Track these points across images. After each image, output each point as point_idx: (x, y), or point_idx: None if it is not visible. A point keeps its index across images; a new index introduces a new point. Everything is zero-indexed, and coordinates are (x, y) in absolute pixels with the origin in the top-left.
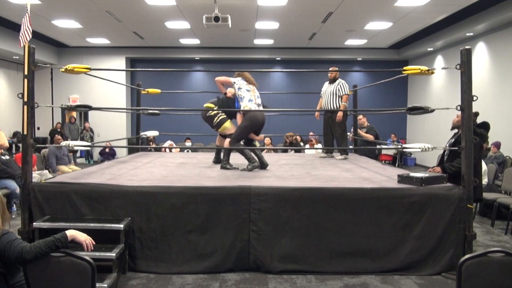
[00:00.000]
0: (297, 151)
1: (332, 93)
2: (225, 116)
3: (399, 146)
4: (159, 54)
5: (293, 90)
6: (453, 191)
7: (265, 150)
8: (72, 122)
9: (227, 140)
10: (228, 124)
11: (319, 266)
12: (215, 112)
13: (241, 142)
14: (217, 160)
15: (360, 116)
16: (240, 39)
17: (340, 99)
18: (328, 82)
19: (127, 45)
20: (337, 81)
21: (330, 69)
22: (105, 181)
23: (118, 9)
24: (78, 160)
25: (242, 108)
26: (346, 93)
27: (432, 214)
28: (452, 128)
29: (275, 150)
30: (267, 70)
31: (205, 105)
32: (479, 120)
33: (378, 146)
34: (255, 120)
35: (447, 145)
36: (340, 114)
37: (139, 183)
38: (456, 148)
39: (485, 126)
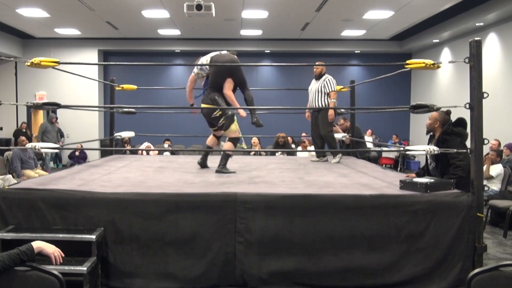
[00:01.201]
0: (288, 153)
1: (318, 90)
2: (229, 118)
3: (401, 148)
4: (135, 46)
5: (284, 86)
6: (461, 198)
7: (253, 152)
8: (52, 122)
9: (228, 143)
10: (234, 126)
11: (313, 282)
12: (221, 112)
13: None
14: (203, 162)
15: (342, 121)
16: (225, 29)
17: (327, 97)
18: (314, 78)
19: (100, 36)
20: (323, 77)
21: (317, 63)
22: (75, 187)
23: None
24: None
25: None
26: (333, 89)
27: (438, 224)
28: (427, 132)
29: (264, 153)
30: (255, 64)
31: (204, 105)
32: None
33: (378, 149)
34: None
35: (439, 150)
36: (331, 112)
37: (113, 190)
38: (449, 151)
39: (463, 123)
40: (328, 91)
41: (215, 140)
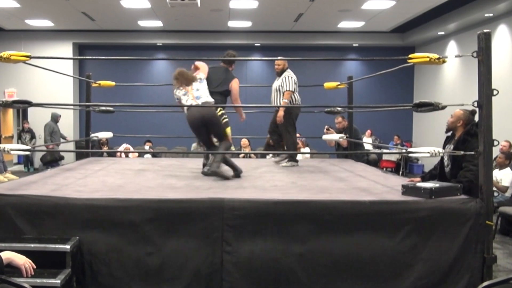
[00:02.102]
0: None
1: (277, 89)
2: (228, 119)
3: (404, 150)
4: (113, 39)
5: None
6: (468, 204)
7: (242, 155)
8: (57, 121)
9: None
10: (229, 129)
11: None
12: (222, 112)
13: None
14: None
15: (339, 119)
16: (211, 21)
17: (283, 96)
18: (277, 75)
19: (75, 28)
20: (283, 74)
21: (278, 58)
22: (48, 192)
23: None
24: (15, 168)
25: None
26: (288, 88)
27: (443, 233)
28: (447, 131)
29: (254, 155)
30: (244, 58)
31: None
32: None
33: (378, 151)
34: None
35: (445, 153)
36: (280, 114)
37: (89, 195)
38: (457, 153)
39: None
40: (284, 90)
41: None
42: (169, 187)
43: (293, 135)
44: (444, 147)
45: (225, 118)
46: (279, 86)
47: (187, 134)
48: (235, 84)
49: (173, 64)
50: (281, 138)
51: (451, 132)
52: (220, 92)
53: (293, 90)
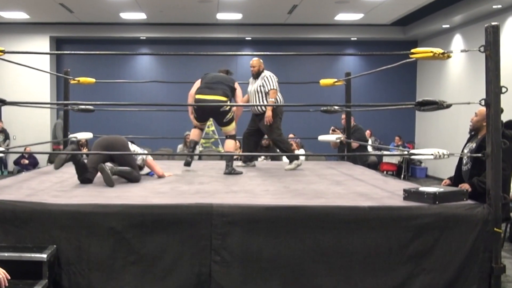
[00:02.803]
0: (273, 158)
1: (256, 91)
2: (233, 114)
3: (405, 152)
4: (94, 32)
5: None
6: (475, 210)
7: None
8: None
9: (231, 141)
10: (234, 124)
11: None
12: (229, 107)
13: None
14: (189, 161)
15: (344, 115)
16: (198, 13)
17: (267, 97)
18: (252, 77)
19: (52, 21)
20: (261, 75)
21: (253, 60)
22: (23, 197)
23: None
24: None
25: None
26: (273, 87)
27: (448, 241)
28: (471, 131)
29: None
30: (233, 53)
31: (213, 97)
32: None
33: (378, 152)
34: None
35: (468, 152)
36: (268, 114)
37: (67, 201)
38: (480, 155)
39: None
40: (267, 90)
41: (200, 133)
42: (153, 192)
43: (281, 136)
44: (465, 146)
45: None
46: (259, 87)
47: (172, 135)
48: (239, 91)
49: (158, 59)
50: (255, 144)
51: (473, 132)
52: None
53: (277, 88)
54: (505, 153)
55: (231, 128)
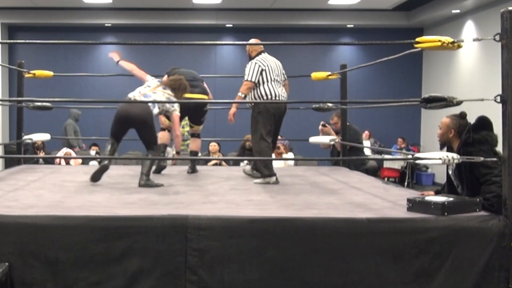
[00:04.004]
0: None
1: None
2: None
3: (410, 156)
4: (51, 18)
5: None
6: (489, 223)
7: (212, 162)
8: (77, 120)
9: (198, 140)
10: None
11: None
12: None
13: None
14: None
15: (336, 119)
16: None
17: (255, 89)
18: None
19: (4, 5)
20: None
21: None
22: None
23: None
24: None
25: None
26: (246, 78)
27: (459, 258)
28: (442, 146)
29: (226, 162)
30: (212, 42)
31: (200, 95)
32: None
33: (378, 156)
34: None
35: (451, 171)
36: (231, 111)
37: (21, 212)
38: (457, 161)
39: (486, 124)
40: (243, 81)
41: (169, 136)
42: (120, 202)
43: (262, 142)
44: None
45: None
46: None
47: None
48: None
49: (125, 50)
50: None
51: (446, 147)
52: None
53: (254, 80)
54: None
55: (202, 126)
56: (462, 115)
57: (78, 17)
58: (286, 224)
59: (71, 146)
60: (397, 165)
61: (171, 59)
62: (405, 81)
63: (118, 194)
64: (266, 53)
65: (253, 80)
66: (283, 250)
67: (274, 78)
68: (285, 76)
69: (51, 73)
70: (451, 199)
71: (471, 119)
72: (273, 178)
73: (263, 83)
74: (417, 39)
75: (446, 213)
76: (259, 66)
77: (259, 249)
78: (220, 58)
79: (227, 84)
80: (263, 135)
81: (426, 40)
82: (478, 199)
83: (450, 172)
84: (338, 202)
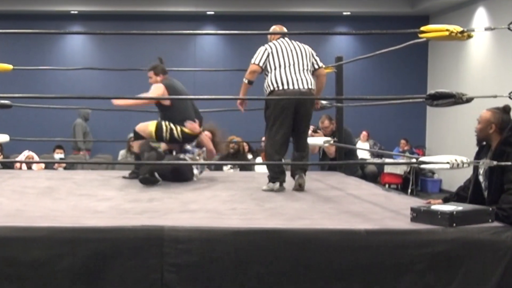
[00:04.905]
0: (242, 167)
1: None
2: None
3: (414, 160)
4: (10, 5)
5: (235, 65)
6: (503, 235)
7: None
8: (87, 119)
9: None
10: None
11: None
12: None
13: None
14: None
15: (326, 122)
16: None
17: (265, 78)
18: None
19: None
20: None
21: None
22: None
23: None
24: None
25: None
26: (252, 61)
27: (468, 274)
28: (479, 142)
29: (208, 166)
30: (191, 32)
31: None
32: None
33: (378, 160)
34: None
35: (482, 172)
36: (238, 101)
37: None
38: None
39: None
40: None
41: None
42: (88, 211)
43: (267, 142)
44: (481, 167)
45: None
46: None
47: (112, 137)
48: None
49: (94, 40)
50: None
51: (484, 143)
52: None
53: (259, 63)
54: None
55: None
56: (506, 109)
57: (40, 3)
58: (274, 236)
59: (79, 149)
60: (400, 170)
61: (145, 51)
62: (409, 76)
63: (85, 202)
64: (286, 38)
65: (256, 62)
66: (271, 266)
67: (288, 64)
68: (318, 64)
69: (10, 66)
70: (460, 208)
71: None
72: (276, 185)
73: (271, 71)
74: (422, 28)
75: (454, 224)
76: (266, 49)
77: (244, 264)
78: (200, 50)
79: (208, 79)
80: (270, 133)
81: (432, 29)
82: (491, 209)
83: (480, 171)
84: (333, 211)
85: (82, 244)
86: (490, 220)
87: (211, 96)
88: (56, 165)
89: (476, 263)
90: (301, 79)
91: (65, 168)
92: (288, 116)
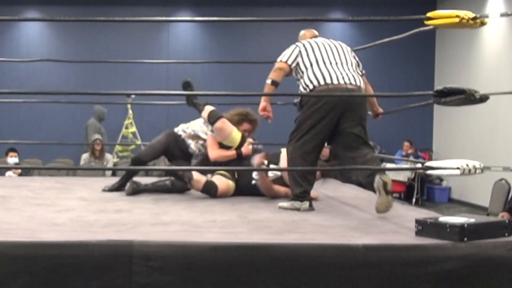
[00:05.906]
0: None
1: None
2: None
3: (419, 165)
4: None
5: (216, 56)
6: None
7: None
8: (102, 119)
9: None
10: None
11: None
12: None
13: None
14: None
15: None
16: None
17: (299, 80)
18: None
19: None
20: None
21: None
22: None
23: None
24: None
25: None
26: (279, 59)
27: None
28: None
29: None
30: (164, 19)
31: None
32: None
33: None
34: None
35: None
36: (260, 107)
37: None
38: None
39: None
40: None
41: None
42: (45, 224)
43: (293, 148)
44: None
45: None
46: None
47: (73, 139)
48: None
49: (52, 28)
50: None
51: None
52: None
53: (287, 61)
54: None
55: None
56: None
57: None
58: (259, 252)
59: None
60: (403, 176)
61: (112, 40)
62: (413, 69)
63: (42, 213)
64: (320, 38)
65: (284, 60)
66: (255, 286)
67: (329, 61)
68: (362, 70)
69: None
70: (472, 220)
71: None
72: (305, 204)
73: (307, 68)
74: (429, 14)
75: (465, 239)
76: (296, 46)
77: (225, 284)
78: (174, 39)
79: (183, 71)
80: (296, 137)
81: (440, 16)
82: (507, 221)
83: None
84: (327, 223)
85: (39, 261)
86: (506, 234)
87: (207, 92)
88: (13, 170)
89: (490, 283)
90: (347, 75)
91: (20, 175)
92: (334, 117)
